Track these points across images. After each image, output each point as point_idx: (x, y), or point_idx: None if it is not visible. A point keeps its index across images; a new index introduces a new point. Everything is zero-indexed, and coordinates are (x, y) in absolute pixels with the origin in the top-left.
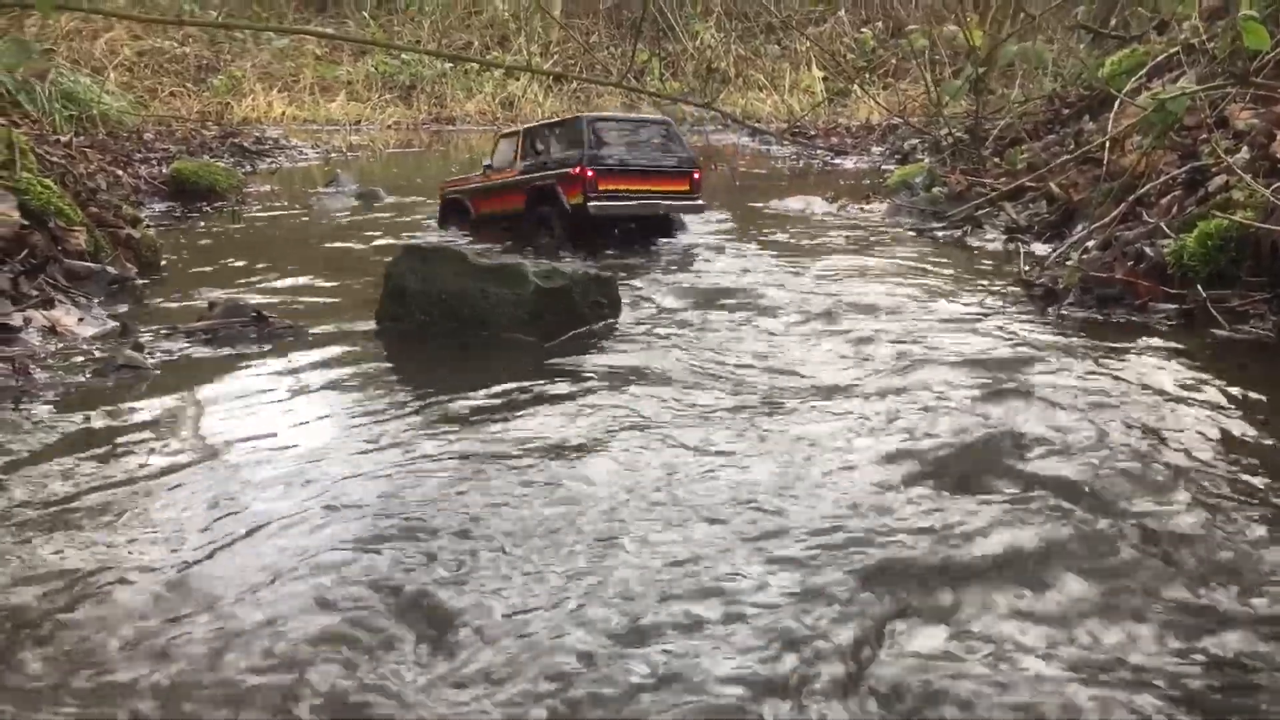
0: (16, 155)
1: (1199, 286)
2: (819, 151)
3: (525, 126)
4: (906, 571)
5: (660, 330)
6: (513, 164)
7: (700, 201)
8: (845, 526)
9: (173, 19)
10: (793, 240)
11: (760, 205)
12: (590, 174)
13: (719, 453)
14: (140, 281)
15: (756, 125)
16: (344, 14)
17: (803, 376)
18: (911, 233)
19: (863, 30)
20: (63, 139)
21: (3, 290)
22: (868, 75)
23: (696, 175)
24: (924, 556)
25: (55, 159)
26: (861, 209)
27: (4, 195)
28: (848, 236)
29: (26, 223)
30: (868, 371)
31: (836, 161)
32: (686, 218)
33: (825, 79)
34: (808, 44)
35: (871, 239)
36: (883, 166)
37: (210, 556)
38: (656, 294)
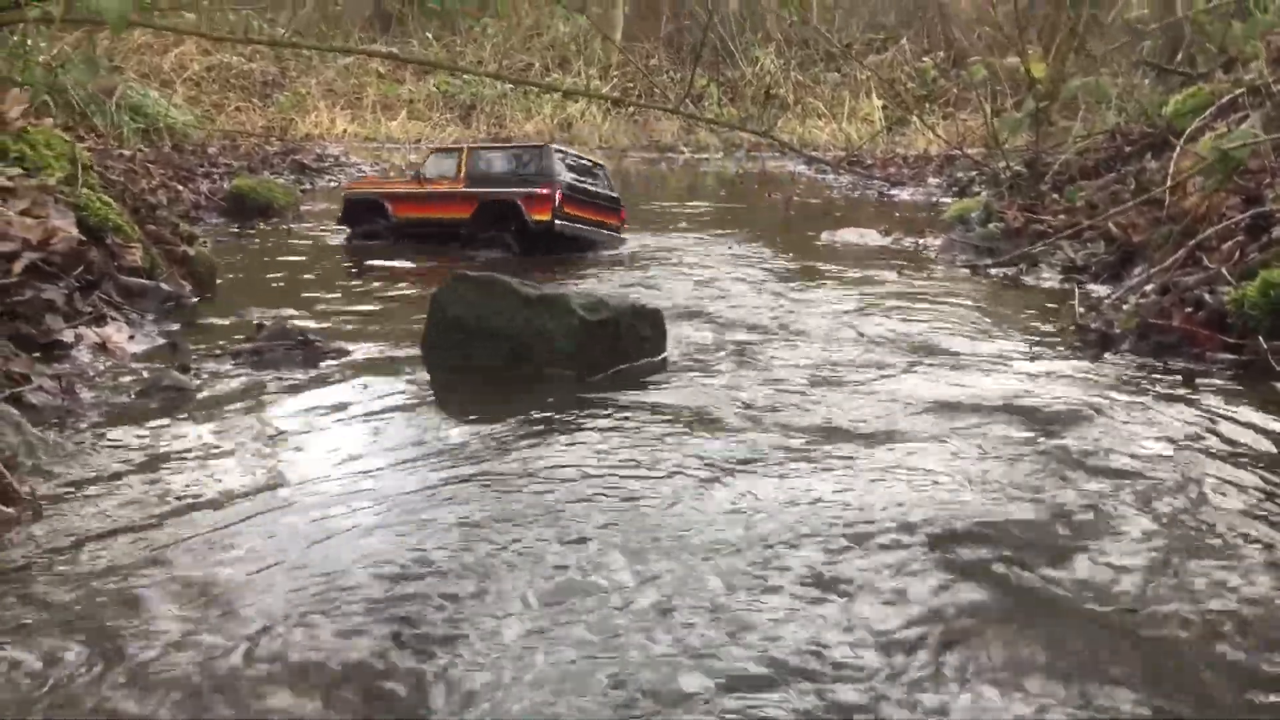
0: (79, 170)
1: (1260, 338)
2: (876, 182)
3: (469, 145)
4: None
5: (706, 366)
6: (456, 176)
7: (623, 236)
8: (903, 586)
9: (241, 36)
10: (845, 274)
11: (814, 236)
12: (560, 196)
13: (759, 499)
14: (193, 299)
15: (813, 154)
16: (408, 34)
17: (851, 418)
18: (966, 270)
19: (923, 60)
20: (125, 153)
21: (56, 306)
22: (927, 105)
23: (623, 214)
24: (980, 608)
25: (117, 174)
26: (917, 243)
27: (63, 211)
28: (901, 271)
29: (84, 238)
30: (918, 414)
31: (893, 192)
32: None
33: (884, 108)
34: (867, 72)
35: (925, 275)
36: (939, 199)
37: (242, 580)
38: (703, 328)
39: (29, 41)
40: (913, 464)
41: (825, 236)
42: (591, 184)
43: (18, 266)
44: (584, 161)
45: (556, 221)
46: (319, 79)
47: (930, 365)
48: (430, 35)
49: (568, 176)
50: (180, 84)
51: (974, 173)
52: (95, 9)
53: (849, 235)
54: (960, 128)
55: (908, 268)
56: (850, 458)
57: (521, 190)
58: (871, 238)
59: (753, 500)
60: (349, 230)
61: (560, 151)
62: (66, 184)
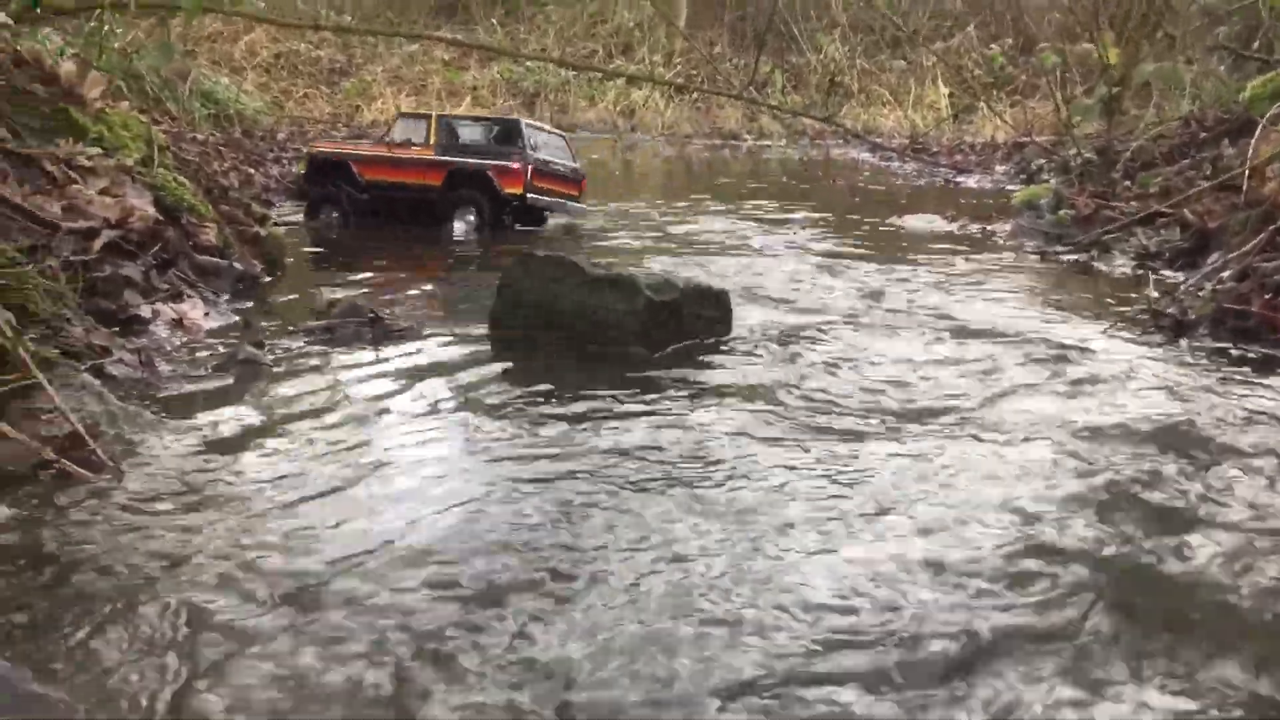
0: (155, 152)
1: None
2: (941, 169)
3: (440, 113)
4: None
5: (771, 347)
6: (426, 143)
7: (583, 206)
8: (1006, 568)
9: (310, 24)
10: (911, 259)
11: (879, 222)
12: (530, 170)
13: (828, 479)
14: (265, 278)
15: (877, 141)
16: (473, 21)
17: (920, 402)
18: (1035, 256)
19: (991, 46)
20: (199, 136)
21: (135, 282)
22: (995, 92)
23: (583, 184)
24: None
25: (191, 156)
26: (984, 229)
27: (141, 191)
28: (968, 257)
29: (160, 217)
30: (987, 399)
31: (959, 180)
32: None
33: (950, 95)
34: (934, 59)
35: (994, 260)
36: (1007, 186)
37: (318, 555)
38: (769, 309)
39: (105, 27)
40: (994, 448)
41: (893, 221)
42: (557, 157)
43: (97, 244)
44: (551, 136)
45: (528, 195)
46: (385, 66)
47: (1002, 350)
48: (495, 22)
49: (537, 151)
50: (250, 70)
51: (1043, 160)
52: None
53: (915, 221)
54: (1028, 115)
55: (975, 253)
56: (928, 441)
57: (493, 162)
58: (938, 224)
59: (822, 479)
60: (308, 205)
61: (531, 125)
62: (143, 165)
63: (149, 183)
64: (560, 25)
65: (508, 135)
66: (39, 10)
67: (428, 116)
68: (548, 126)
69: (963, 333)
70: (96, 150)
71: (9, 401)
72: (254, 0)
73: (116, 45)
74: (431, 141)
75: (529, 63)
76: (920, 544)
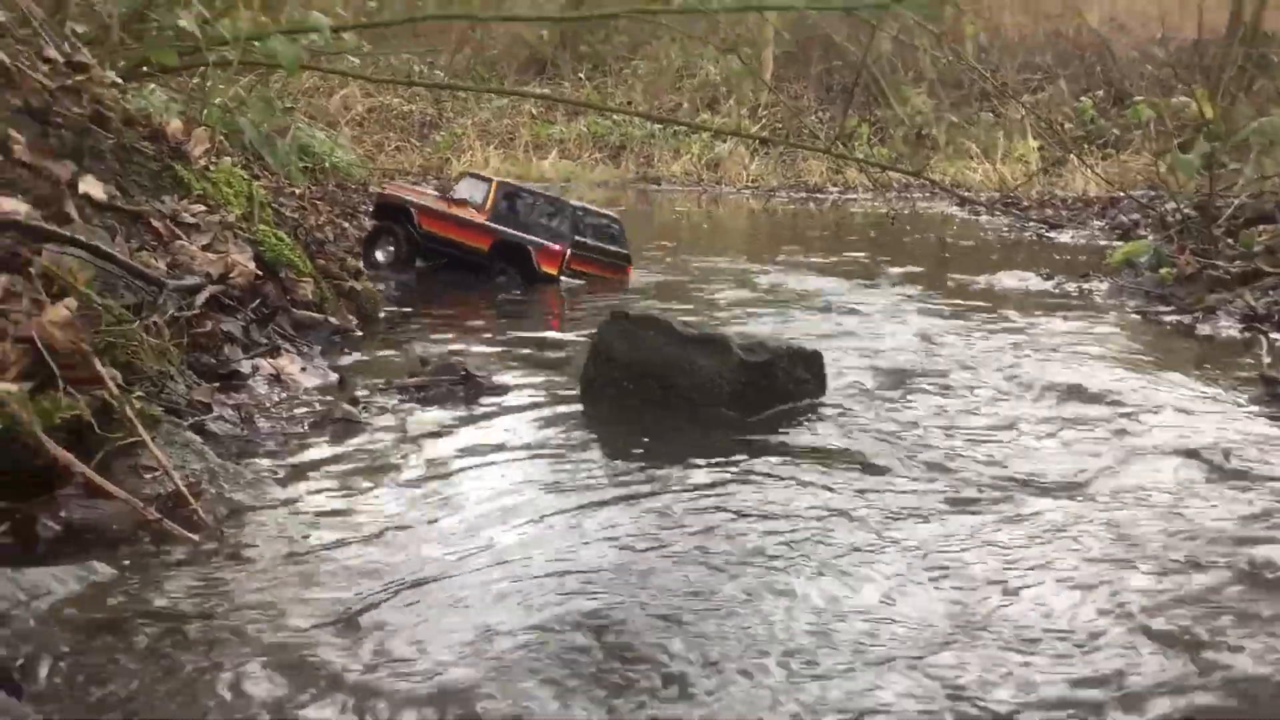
0: (256, 207)
1: None
2: (1032, 224)
3: (501, 180)
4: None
5: (865, 410)
6: (482, 206)
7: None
8: (1091, 647)
9: (404, 80)
10: (1006, 318)
11: (970, 279)
12: (569, 254)
13: (923, 551)
14: (358, 333)
15: (966, 194)
16: (561, 76)
17: (1019, 469)
18: (1136, 316)
19: (1081, 99)
20: (297, 190)
21: (235, 337)
22: (1086, 145)
23: (628, 269)
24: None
25: (289, 211)
26: (1081, 287)
27: (242, 246)
28: (1066, 316)
29: (260, 272)
30: (1091, 467)
31: (1051, 235)
32: None
33: (1040, 149)
34: (1022, 112)
35: (1092, 320)
36: (1101, 242)
37: (414, 615)
38: (861, 371)
39: (209, 84)
40: (1103, 516)
41: (985, 278)
42: (602, 242)
43: (201, 299)
44: (601, 220)
45: (562, 277)
46: (474, 119)
47: (1105, 414)
48: (582, 76)
49: (583, 235)
50: (345, 124)
51: (1138, 215)
52: (271, 54)
53: (1008, 279)
54: (1121, 169)
55: (1074, 313)
56: (1033, 510)
57: (536, 240)
58: (1033, 281)
59: (925, 550)
60: (366, 239)
61: (581, 210)
62: (244, 220)
63: (250, 238)
64: (647, 79)
65: (556, 215)
66: (146, 69)
67: (490, 181)
68: (601, 210)
69: (1065, 396)
70: (201, 207)
71: (114, 458)
72: (350, 58)
73: (219, 101)
74: (487, 206)
75: (615, 116)
76: (1028, 621)
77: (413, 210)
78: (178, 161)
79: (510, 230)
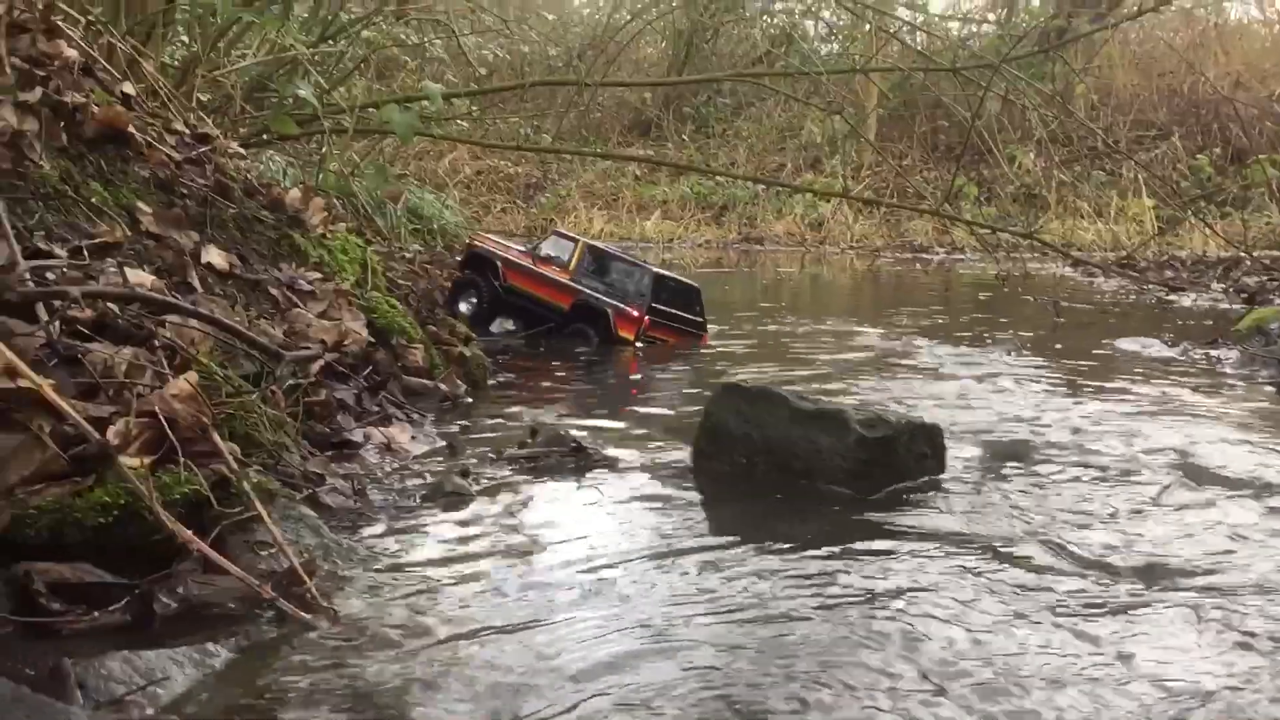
0: (369, 274)
1: None
2: (1151, 286)
3: (589, 242)
4: None
5: (988, 489)
6: (566, 266)
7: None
8: None
9: (511, 144)
10: (1129, 388)
11: (1089, 345)
12: (647, 321)
13: (1068, 646)
14: (467, 399)
15: (1079, 255)
16: (664, 137)
17: (1155, 557)
18: (1270, 387)
19: (1198, 156)
20: (407, 255)
21: (348, 406)
22: (1204, 204)
23: (704, 339)
24: None
25: (399, 276)
26: (1208, 355)
27: (356, 314)
28: (1194, 387)
29: (373, 340)
30: (1239, 557)
31: (1171, 298)
32: None
33: (1155, 208)
34: (1136, 170)
35: (1224, 392)
36: (1224, 306)
37: (528, 696)
38: (984, 445)
39: (324, 150)
40: (1252, 612)
41: (1104, 344)
42: (680, 309)
43: (315, 367)
44: (681, 288)
45: (637, 343)
46: (579, 181)
47: (1246, 500)
48: (685, 138)
49: (661, 303)
50: (453, 186)
51: (1264, 278)
52: (386, 121)
53: (1129, 344)
54: (1242, 228)
55: (1202, 382)
56: (1156, 602)
57: (617, 304)
58: (1155, 348)
59: (1068, 650)
60: (452, 288)
61: (663, 278)
62: (358, 286)
63: (363, 305)
64: (750, 140)
65: (638, 280)
66: (265, 136)
67: (577, 241)
68: (681, 278)
69: (1200, 478)
70: (316, 275)
71: (230, 534)
72: (459, 123)
73: (334, 167)
74: (572, 266)
75: (718, 177)
76: None
77: (499, 264)
78: (295, 229)
79: (591, 292)
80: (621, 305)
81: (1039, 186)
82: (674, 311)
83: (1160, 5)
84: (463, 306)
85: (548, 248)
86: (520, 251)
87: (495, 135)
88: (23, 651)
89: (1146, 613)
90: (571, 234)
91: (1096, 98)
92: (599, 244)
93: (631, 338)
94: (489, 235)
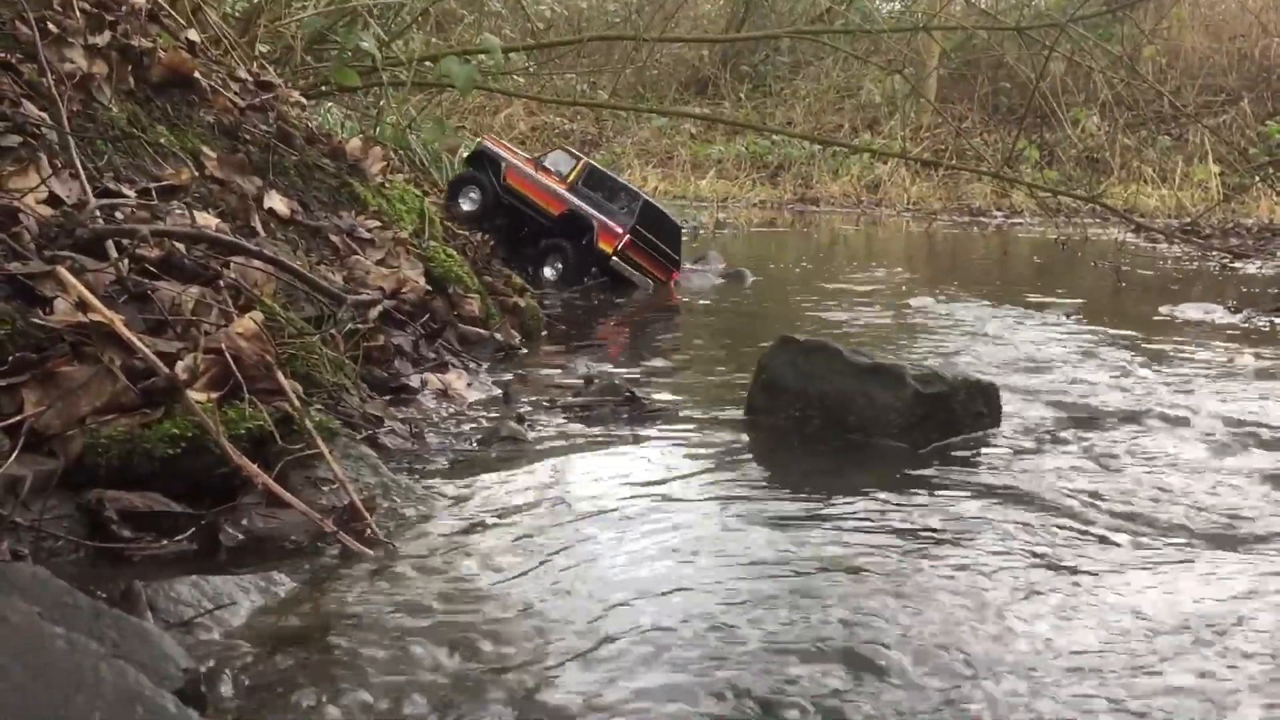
0: (427, 224)
1: None
2: (1216, 252)
3: (592, 163)
4: None
5: (1043, 447)
6: (565, 178)
7: (668, 286)
8: None
9: (568, 100)
10: (1191, 353)
11: (1150, 311)
12: (627, 239)
13: (1116, 600)
14: (521, 349)
15: (1141, 220)
16: (720, 95)
17: (1212, 519)
18: None
19: (1268, 122)
20: None
21: (405, 352)
22: (1272, 171)
23: (674, 274)
24: None
25: (457, 228)
26: (1273, 322)
27: (414, 262)
28: (1258, 354)
29: (430, 288)
30: None
31: (1236, 265)
32: None
33: (1221, 174)
34: (1202, 135)
35: None
36: None
37: (575, 638)
38: (1040, 406)
39: (382, 102)
40: None
41: (1165, 310)
42: (659, 241)
43: (374, 313)
44: (668, 224)
45: (614, 259)
46: (634, 139)
47: None
48: (742, 96)
49: (646, 229)
50: (509, 141)
51: None
52: (444, 75)
53: (1192, 311)
54: None
55: (1264, 349)
56: (1219, 561)
57: (603, 219)
58: (1219, 314)
59: (1105, 607)
60: (451, 182)
61: (652, 206)
62: (415, 236)
63: (420, 254)
64: (807, 100)
65: (629, 203)
66: (325, 88)
67: (579, 159)
68: (669, 215)
69: (1257, 441)
70: (375, 223)
71: (292, 470)
72: (516, 78)
73: (393, 119)
74: (569, 179)
75: (774, 136)
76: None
77: (501, 164)
78: (355, 178)
79: (584, 204)
80: (607, 220)
81: (1102, 151)
82: (654, 240)
83: None
84: (464, 204)
85: (551, 160)
86: (526, 159)
87: (551, 91)
88: (96, 574)
89: (1191, 573)
90: (577, 152)
91: (1165, 60)
92: (600, 165)
93: (610, 250)
94: (499, 138)
